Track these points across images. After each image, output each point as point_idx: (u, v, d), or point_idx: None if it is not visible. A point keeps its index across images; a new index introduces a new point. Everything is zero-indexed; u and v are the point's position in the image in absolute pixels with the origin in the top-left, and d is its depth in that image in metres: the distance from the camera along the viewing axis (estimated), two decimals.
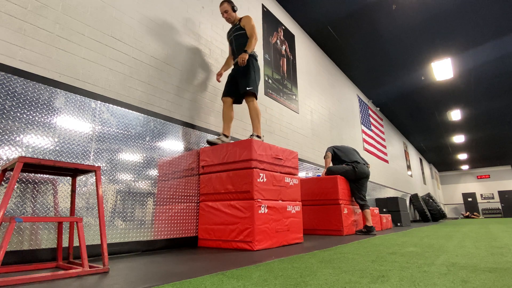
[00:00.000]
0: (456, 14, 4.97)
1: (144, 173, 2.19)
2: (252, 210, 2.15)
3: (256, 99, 2.68)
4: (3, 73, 1.59)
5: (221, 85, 3.15)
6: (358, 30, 5.36)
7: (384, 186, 7.94)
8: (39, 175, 1.63)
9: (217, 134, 2.92)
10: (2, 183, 1.49)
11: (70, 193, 1.74)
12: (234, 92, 2.75)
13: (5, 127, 1.55)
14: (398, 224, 6.17)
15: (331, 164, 4.21)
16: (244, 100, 2.79)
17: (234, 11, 2.84)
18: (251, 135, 2.54)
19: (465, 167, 18.64)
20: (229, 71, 3.18)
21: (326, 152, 4.07)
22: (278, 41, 4.44)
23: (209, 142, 2.59)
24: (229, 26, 3.44)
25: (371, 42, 5.71)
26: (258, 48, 3.93)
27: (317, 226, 3.66)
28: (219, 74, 2.91)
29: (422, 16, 5.00)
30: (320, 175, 4.10)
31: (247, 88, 2.60)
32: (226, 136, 2.68)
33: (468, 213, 16.93)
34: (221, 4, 2.83)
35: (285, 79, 4.41)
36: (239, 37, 2.77)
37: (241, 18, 2.82)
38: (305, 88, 4.97)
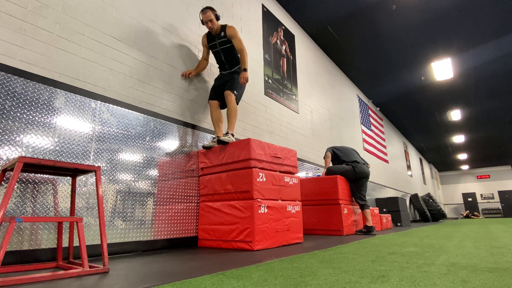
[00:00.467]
0: (456, 14, 4.97)
1: (144, 173, 2.19)
2: (252, 210, 2.15)
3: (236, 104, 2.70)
4: (3, 73, 1.59)
5: None
6: (358, 30, 5.36)
7: (384, 186, 7.94)
8: (39, 175, 1.63)
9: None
10: (2, 183, 1.49)
11: (70, 193, 1.74)
12: (222, 97, 2.73)
13: (5, 127, 1.55)
14: (398, 224, 6.17)
15: (331, 164, 4.22)
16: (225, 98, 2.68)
17: (218, 19, 2.65)
18: (226, 133, 2.53)
19: (465, 167, 18.64)
20: (208, 75, 2.95)
21: (326, 152, 4.07)
22: (278, 41, 4.44)
23: (204, 147, 2.59)
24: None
25: (371, 42, 5.71)
26: (258, 48, 3.93)
27: (317, 226, 3.66)
28: (189, 74, 2.72)
29: (422, 16, 5.00)
30: (320, 175, 4.10)
31: (235, 92, 2.64)
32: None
33: (467, 211, 16.91)
34: (204, 12, 2.60)
35: (285, 79, 4.41)
36: (228, 50, 2.72)
37: (224, 28, 2.68)
38: (305, 88, 4.97)
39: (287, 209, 2.48)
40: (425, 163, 15.74)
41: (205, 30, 3.08)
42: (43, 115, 1.72)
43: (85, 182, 1.84)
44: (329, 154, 4.03)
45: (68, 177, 1.77)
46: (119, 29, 2.24)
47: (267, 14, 4.31)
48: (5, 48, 1.62)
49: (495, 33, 5.47)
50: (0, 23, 1.63)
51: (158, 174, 2.29)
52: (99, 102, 2.01)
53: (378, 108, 9.13)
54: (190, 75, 2.74)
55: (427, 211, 9.72)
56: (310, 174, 4.54)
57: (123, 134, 2.11)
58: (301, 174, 4.29)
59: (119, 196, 2.00)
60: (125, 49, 2.25)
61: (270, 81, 4.02)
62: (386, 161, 8.74)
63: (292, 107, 4.42)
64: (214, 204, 2.40)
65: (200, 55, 2.96)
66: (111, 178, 1.98)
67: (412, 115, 9.69)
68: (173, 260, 1.65)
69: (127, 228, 2.01)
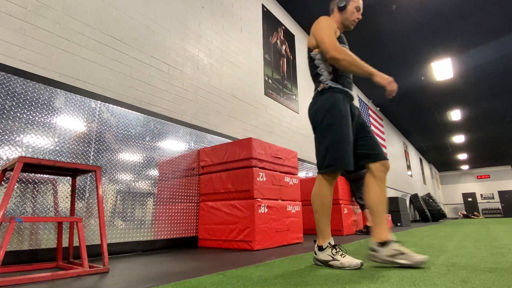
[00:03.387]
0: (456, 14, 4.97)
1: (144, 173, 2.19)
2: (252, 210, 2.15)
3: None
4: (3, 73, 1.59)
5: (221, 85, 3.14)
6: (358, 30, 5.36)
7: None
8: (39, 175, 1.63)
9: (217, 134, 2.91)
10: (2, 183, 1.49)
11: (70, 193, 1.74)
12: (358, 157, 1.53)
13: (5, 127, 1.55)
14: (398, 224, 6.16)
15: None
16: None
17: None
18: (323, 247, 1.41)
19: (465, 167, 18.63)
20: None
21: None
22: (278, 41, 4.44)
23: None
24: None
25: (371, 42, 5.71)
26: (258, 48, 3.93)
27: None
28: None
29: (422, 16, 5.00)
30: None
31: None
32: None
33: (464, 212, 16.91)
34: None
35: (285, 79, 4.41)
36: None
37: None
38: (305, 88, 4.97)
39: (287, 209, 2.48)
40: (425, 163, 15.74)
41: (205, 30, 3.07)
42: (43, 115, 1.72)
43: (85, 182, 1.84)
44: None
45: (68, 177, 1.77)
46: (119, 29, 2.24)
47: (267, 14, 4.30)
48: (5, 48, 1.62)
49: (495, 33, 5.47)
50: (0, 23, 1.63)
51: (158, 174, 2.29)
52: (99, 102, 2.01)
53: (378, 108, 9.13)
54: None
55: (427, 211, 9.72)
56: (310, 174, 4.54)
57: (123, 134, 2.11)
58: (301, 174, 4.29)
59: (119, 196, 2.00)
60: (125, 49, 2.25)
61: (270, 81, 4.02)
62: None
63: (292, 107, 4.42)
64: (214, 204, 2.40)
65: (200, 56, 2.95)
66: (111, 178, 1.98)
67: (412, 115, 9.69)
68: (173, 260, 1.65)
69: (127, 228, 2.01)
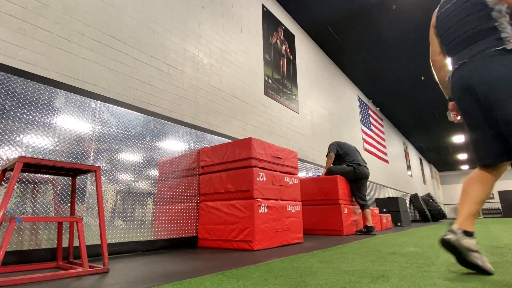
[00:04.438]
0: None
1: (144, 173, 2.19)
2: (252, 210, 2.15)
3: None
4: (3, 73, 1.59)
5: (221, 85, 3.14)
6: (358, 30, 5.36)
7: (384, 186, 7.93)
8: (39, 175, 1.63)
9: (217, 134, 2.91)
10: (2, 183, 1.49)
11: (70, 193, 1.74)
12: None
13: (5, 127, 1.55)
14: (398, 224, 6.16)
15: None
16: None
17: None
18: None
19: (465, 167, 18.63)
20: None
21: (330, 151, 4.02)
22: (278, 41, 4.44)
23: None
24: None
25: (371, 42, 5.71)
26: (258, 48, 3.93)
27: (317, 226, 3.66)
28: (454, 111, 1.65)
29: (422, 16, 5.00)
30: (320, 175, 4.10)
31: None
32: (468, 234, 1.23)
33: None
34: None
35: (285, 79, 4.41)
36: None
37: None
38: (305, 88, 4.97)
39: (287, 209, 2.48)
40: (425, 163, 15.74)
41: (205, 30, 3.07)
42: (43, 115, 1.72)
43: (85, 182, 1.84)
44: (333, 155, 4.00)
45: (68, 177, 1.77)
46: (119, 29, 2.24)
47: (267, 14, 4.30)
48: (5, 48, 1.62)
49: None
50: (0, 23, 1.63)
51: (158, 174, 2.29)
52: (99, 102, 2.01)
53: (378, 108, 9.13)
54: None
55: (427, 211, 9.72)
56: (310, 174, 4.54)
57: (123, 134, 2.11)
58: (301, 174, 4.29)
59: (119, 196, 2.00)
60: (125, 49, 2.25)
61: (270, 81, 4.02)
62: (386, 161, 8.73)
63: (292, 107, 4.42)
64: (214, 204, 2.40)
65: (200, 56, 2.95)
66: (111, 178, 1.98)
67: (412, 115, 9.69)
68: (173, 260, 1.65)
69: (127, 228, 2.01)
